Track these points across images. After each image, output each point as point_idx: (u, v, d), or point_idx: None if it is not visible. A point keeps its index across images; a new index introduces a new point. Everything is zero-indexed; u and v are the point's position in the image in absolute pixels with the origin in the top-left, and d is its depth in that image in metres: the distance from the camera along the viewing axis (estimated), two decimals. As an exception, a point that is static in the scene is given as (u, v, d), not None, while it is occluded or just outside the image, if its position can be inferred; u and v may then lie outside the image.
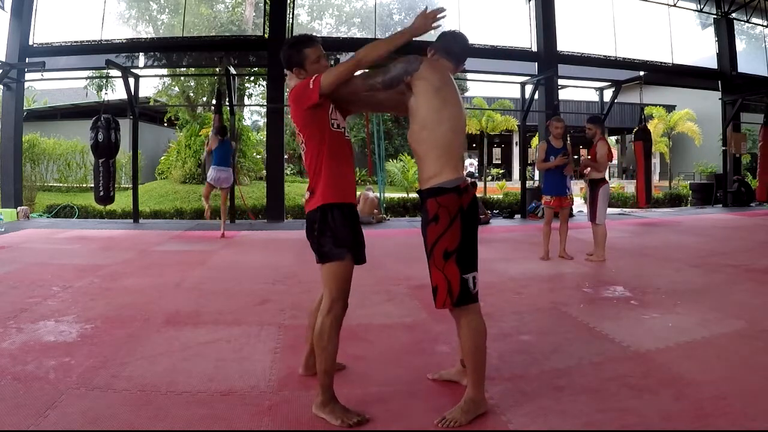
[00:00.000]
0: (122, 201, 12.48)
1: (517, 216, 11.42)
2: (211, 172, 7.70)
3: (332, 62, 11.09)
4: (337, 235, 2.19)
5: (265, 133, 12.34)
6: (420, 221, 2.28)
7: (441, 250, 2.15)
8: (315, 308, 2.48)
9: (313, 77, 2.17)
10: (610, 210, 6.09)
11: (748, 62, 14.40)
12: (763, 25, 14.77)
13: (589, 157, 5.95)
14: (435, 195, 2.16)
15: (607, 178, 6.08)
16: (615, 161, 26.91)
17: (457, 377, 2.51)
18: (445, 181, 2.15)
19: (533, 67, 11.90)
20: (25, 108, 11.89)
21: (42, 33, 10.95)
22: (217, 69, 11.66)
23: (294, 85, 2.28)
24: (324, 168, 2.21)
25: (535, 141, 18.69)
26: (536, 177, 16.02)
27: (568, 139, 6.10)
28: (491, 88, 24.18)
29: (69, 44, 11.05)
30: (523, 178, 11.75)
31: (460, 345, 2.29)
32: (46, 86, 18.78)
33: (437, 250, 2.16)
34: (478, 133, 19.90)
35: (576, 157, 6.41)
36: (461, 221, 2.16)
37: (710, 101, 15.00)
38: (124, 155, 15.21)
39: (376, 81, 2.24)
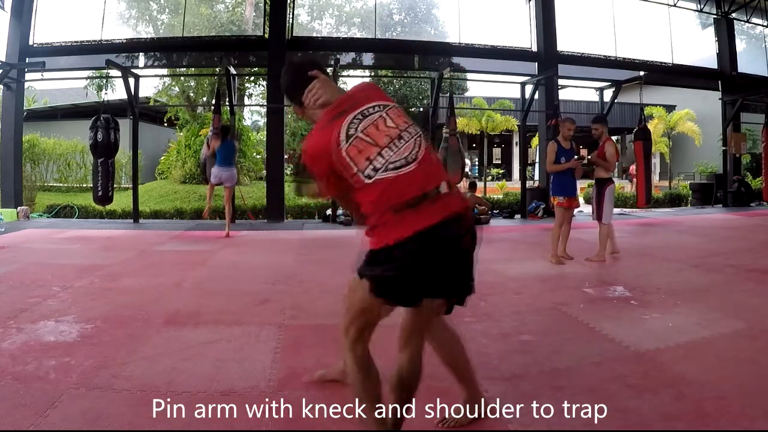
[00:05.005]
0: (122, 201, 12.48)
1: (517, 216, 11.41)
2: (215, 171, 7.76)
3: (332, 61, 11.09)
4: None
5: (265, 133, 12.33)
6: None
7: None
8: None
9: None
10: (610, 210, 6.13)
11: (748, 62, 14.39)
12: (763, 25, 14.76)
13: (596, 155, 5.94)
14: None
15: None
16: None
17: (339, 376, 2.40)
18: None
19: (533, 67, 11.90)
20: (25, 108, 11.89)
21: (42, 33, 10.95)
22: (217, 69, 11.64)
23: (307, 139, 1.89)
24: None
25: (535, 141, 18.66)
26: (536, 177, 16.02)
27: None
28: (491, 88, 24.08)
29: (69, 44, 11.05)
30: (523, 178, 11.75)
31: (437, 351, 2.14)
32: (46, 86, 18.76)
33: None
34: (478, 133, 19.89)
35: (576, 157, 6.37)
36: None
37: (710, 101, 14.98)
38: (124, 155, 15.19)
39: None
